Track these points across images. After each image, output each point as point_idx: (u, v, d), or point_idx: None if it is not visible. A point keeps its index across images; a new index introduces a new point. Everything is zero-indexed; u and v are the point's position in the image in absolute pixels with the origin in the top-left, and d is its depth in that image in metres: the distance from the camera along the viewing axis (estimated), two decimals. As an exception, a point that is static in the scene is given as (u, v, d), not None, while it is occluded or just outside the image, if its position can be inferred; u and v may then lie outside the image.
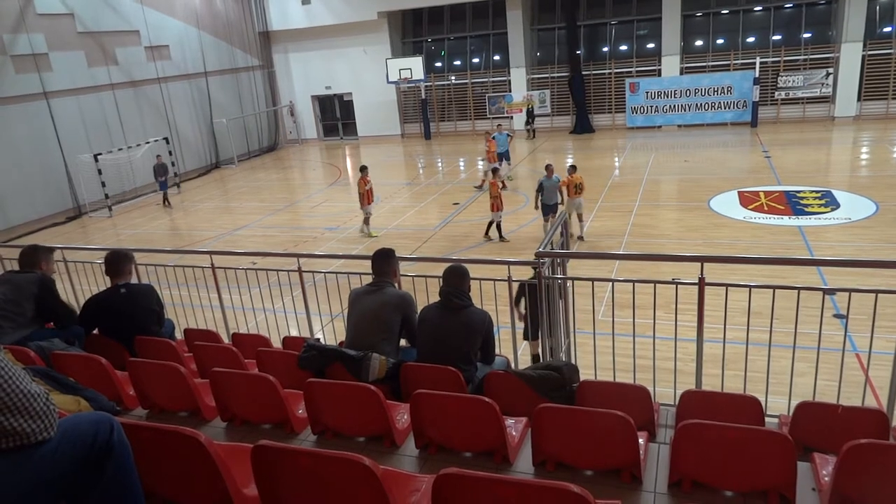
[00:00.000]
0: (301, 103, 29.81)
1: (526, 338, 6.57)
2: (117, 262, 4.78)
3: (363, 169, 13.95)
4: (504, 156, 17.84)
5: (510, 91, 26.53)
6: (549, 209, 12.30)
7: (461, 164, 21.70)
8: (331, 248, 13.34)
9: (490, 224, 12.94)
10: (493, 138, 17.73)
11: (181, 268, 6.79)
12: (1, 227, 16.92)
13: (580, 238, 12.37)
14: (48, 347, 4.13)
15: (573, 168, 12.84)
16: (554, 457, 2.97)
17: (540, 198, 12.30)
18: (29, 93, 17.91)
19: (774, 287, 4.18)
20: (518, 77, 26.20)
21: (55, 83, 18.62)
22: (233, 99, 26.45)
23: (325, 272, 7.05)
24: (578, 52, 24.91)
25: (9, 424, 1.64)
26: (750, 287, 4.27)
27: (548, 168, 12.52)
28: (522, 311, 6.47)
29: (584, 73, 25.04)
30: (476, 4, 26.38)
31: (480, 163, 18.59)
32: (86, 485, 1.83)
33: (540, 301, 4.98)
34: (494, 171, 13.52)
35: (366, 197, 13.67)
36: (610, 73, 25.19)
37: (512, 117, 26.82)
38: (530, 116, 26.00)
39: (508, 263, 5.25)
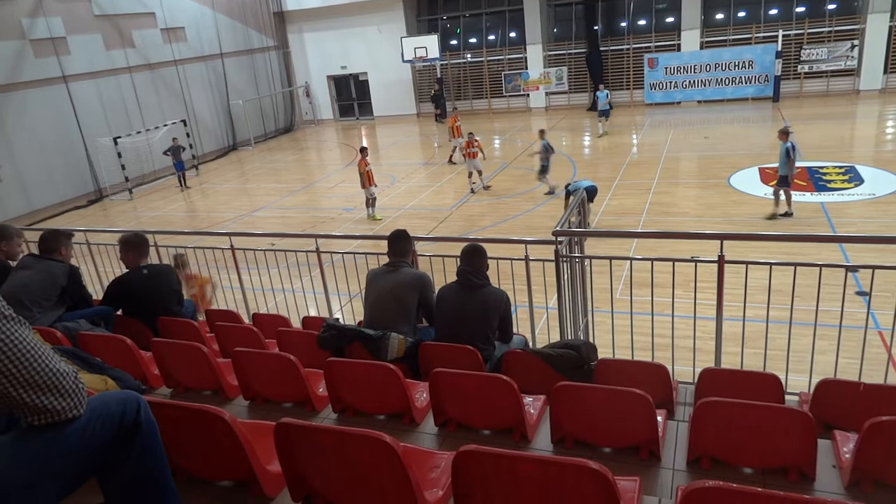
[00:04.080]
0: (316, 84, 29.75)
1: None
2: (139, 243, 4.84)
3: (363, 150, 13.95)
4: (605, 113, 20.13)
5: (526, 68, 26.23)
6: None
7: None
8: (348, 229, 13.40)
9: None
10: (597, 97, 20.56)
11: (201, 249, 6.88)
12: (24, 210, 17.21)
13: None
14: (74, 328, 4.22)
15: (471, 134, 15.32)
16: (572, 434, 2.98)
17: None
18: (48, 77, 18.08)
19: (795, 265, 4.13)
20: (535, 54, 25.88)
21: (74, 67, 18.77)
22: (249, 80, 26.48)
23: (342, 252, 7.10)
24: (596, 27, 24.50)
25: (40, 402, 1.68)
26: (770, 265, 4.23)
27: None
28: None
29: (601, 49, 24.66)
30: (491, -20, 26.05)
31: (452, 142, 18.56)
32: (115, 460, 1.88)
33: None
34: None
35: (367, 178, 13.61)
36: (628, 49, 24.77)
37: (528, 95, 26.56)
38: (437, 101, 26.53)
39: (526, 242, 5.24)
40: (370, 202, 13.94)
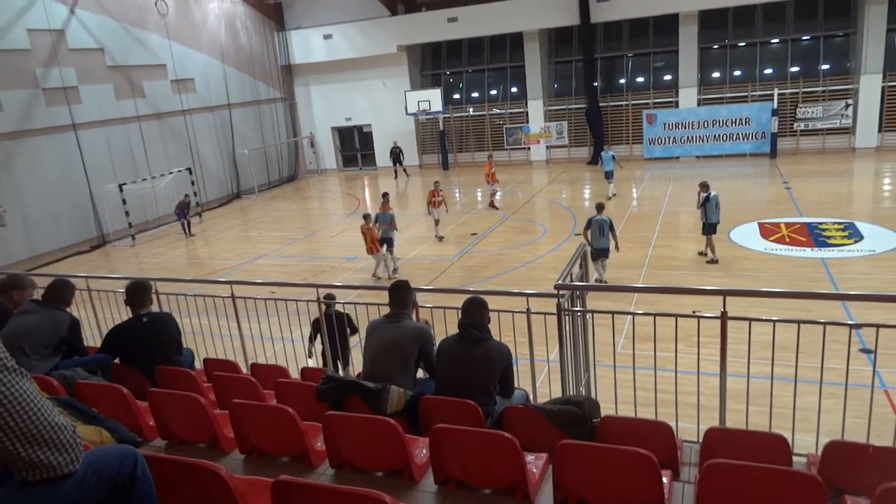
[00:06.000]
0: (321, 134, 30.29)
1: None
2: (139, 292, 4.84)
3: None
4: (608, 175, 19.18)
5: (528, 122, 26.75)
6: None
7: (478, 194, 21.79)
8: (349, 279, 13.40)
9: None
10: (601, 157, 19.76)
11: (202, 297, 6.86)
12: (27, 255, 17.25)
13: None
14: (71, 377, 4.17)
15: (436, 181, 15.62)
16: (575, 494, 2.92)
17: None
18: (58, 124, 18.43)
19: (799, 321, 4.11)
20: (535, 109, 26.44)
21: (84, 115, 19.15)
22: (254, 130, 26.96)
23: (343, 302, 7.08)
24: (595, 84, 25.11)
25: (35, 457, 1.65)
26: (774, 321, 4.21)
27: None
28: (315, 349, 7.34)
29: (601, 104, 25.20)
30: (494, 38, 26.82)
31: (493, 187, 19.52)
32: (108, 517, 1.83)
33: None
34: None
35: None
36: (627, 105, 25.32)
37: (529, 148, 26.99)
38: (396, 157, 26.98)
39: (527, 295, 5.23)
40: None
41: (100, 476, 1.77)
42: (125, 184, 19.23)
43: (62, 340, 4.58)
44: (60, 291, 4.77)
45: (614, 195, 19.28)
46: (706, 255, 12.47)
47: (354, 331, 7.39)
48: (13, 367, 1.63)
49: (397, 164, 27.09)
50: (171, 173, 21.22)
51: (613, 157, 19.44)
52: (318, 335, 7.16)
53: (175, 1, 22.54)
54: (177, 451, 3.77)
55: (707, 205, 12.17)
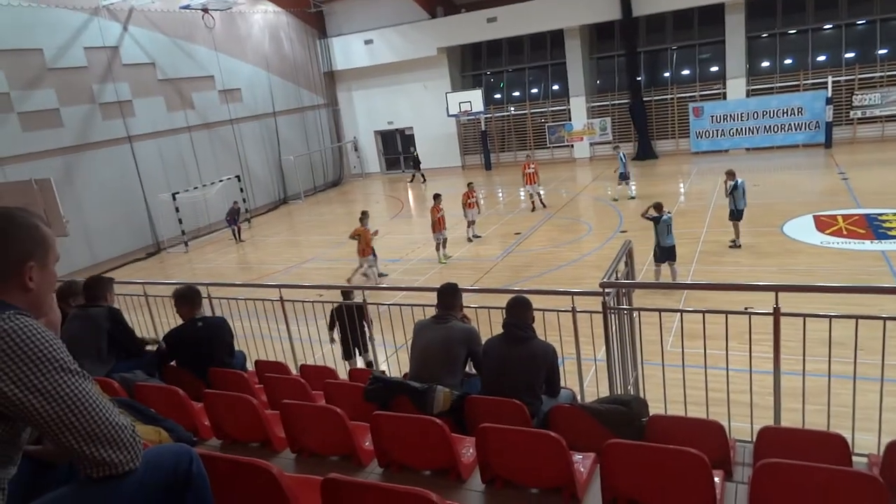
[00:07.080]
0: (364, 138, 30.68)
1: (346, 358, 7.74)
2: (189, 296, 5.00)
3: (436, 197, 14.43)
4: (623, 176, 18.59)
5: (570, 120, 26.47)
6: None
7: (521, 194, 21.68)
8: (393, 280, 13.52)
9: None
10: (619, 159, 18.77)
11: (252, 301, 7.04)
12: (88, 262, 18.00)
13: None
14: (131, 379, 4.34)
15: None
16: (625, 495, 2.88)
17: None
18: (114, 137, 19.21)
19: (857, 317, 3.96)
20: (578, 106, 26.14)
21: (138, 127, 19.91)
22: (299, 136, 27.51)
23: (388, 304, 7.16)
24: (639, 78, 24.65)
25: (98, 455, 1.73)
26: (830, 317, 4.06)
27: None
28: (335, 336, 7.76)
29: (645, 99, 24.73)
30: (534, 37, 26.64)
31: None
32: (167, 513, 1.90)
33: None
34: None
35: (438, 224, 14.07)
36: (672, 99, 24.78)
37: (572, 145, 26.71)
38: (416, 162, 27.04)
39: (572, 294, 5.19)
40: (439, 245, 14.44)
41: (157, 474, 1.85)
42: (178, 192, 19.90)
43: (110, 335, 4.62)
44: (96, 289, 4.81)
45: (632, 198, 18.36)
46: (736, 243, 12.67)
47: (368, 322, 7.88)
48: (75, 369, 1.72)
49: (417, 170, 27.36)
50: (220, 181, 21.84)
51: (624, 157, 18.66)
52: (337, 325, 7.69)
53: (221, 14, 23.17)
54: (230, 450, 3.88)
55: (735, 192, 12.39)
